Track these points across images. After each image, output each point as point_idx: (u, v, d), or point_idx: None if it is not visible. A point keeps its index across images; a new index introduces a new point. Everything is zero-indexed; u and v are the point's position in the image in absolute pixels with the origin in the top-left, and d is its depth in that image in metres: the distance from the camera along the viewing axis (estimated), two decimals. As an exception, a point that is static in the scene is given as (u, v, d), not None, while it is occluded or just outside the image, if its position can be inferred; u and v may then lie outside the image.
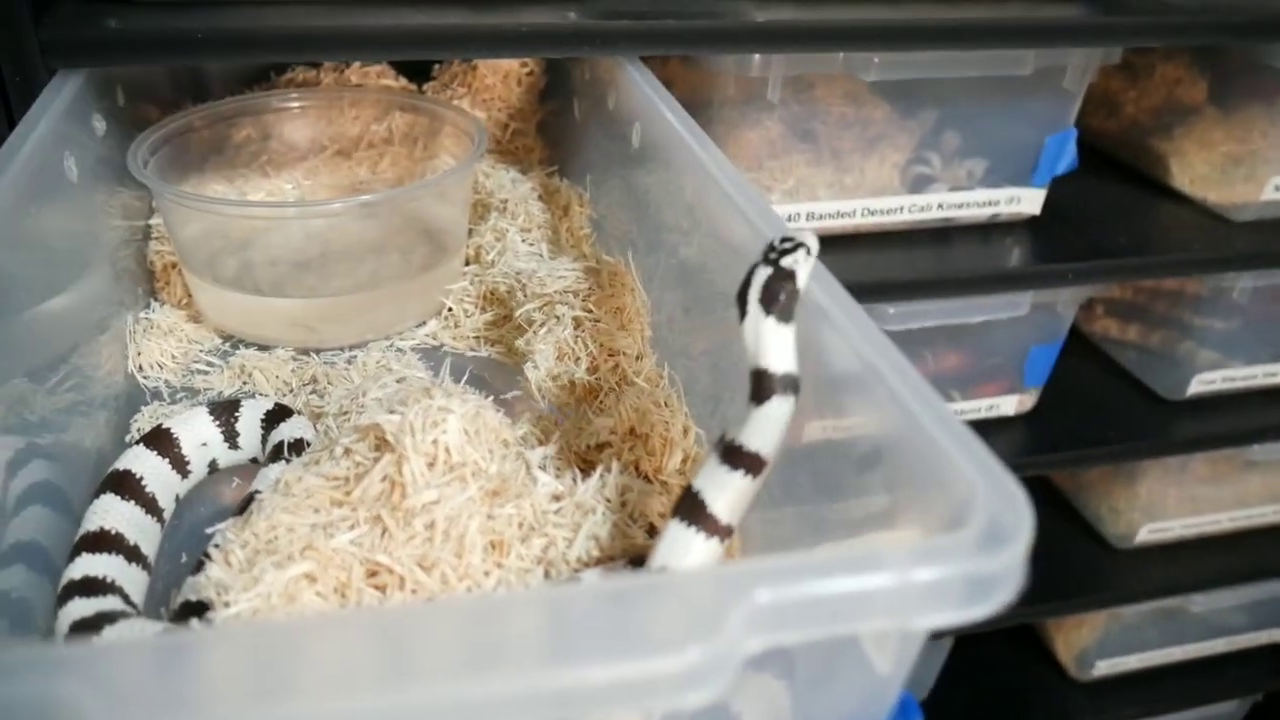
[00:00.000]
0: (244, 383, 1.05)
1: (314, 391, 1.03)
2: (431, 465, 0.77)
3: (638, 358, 1.01)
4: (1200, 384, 1.67)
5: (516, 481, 0.81)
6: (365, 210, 1.15)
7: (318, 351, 1.10)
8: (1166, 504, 1.85)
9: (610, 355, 1.00)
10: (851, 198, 1.43)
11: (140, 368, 1.05)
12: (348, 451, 0.80)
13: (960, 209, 1.47)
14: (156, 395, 1.02)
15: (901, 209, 1.44)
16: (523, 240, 1.18)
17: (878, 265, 1.41)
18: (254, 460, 0.94)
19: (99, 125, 1.07)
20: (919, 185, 1.47)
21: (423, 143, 1.31)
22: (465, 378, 1.04)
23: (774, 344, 0.68)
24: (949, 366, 1.64)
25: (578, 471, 0.87)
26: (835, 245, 1.37)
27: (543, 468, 0.86)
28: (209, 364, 1.07)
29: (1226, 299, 1.60)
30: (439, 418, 0.78)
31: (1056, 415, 1.66)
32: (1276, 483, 1.89)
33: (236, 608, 0.69)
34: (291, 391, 1.04)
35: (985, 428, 1.69)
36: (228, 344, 1.11)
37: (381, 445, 0.78)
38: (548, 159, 1.44)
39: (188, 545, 0.86)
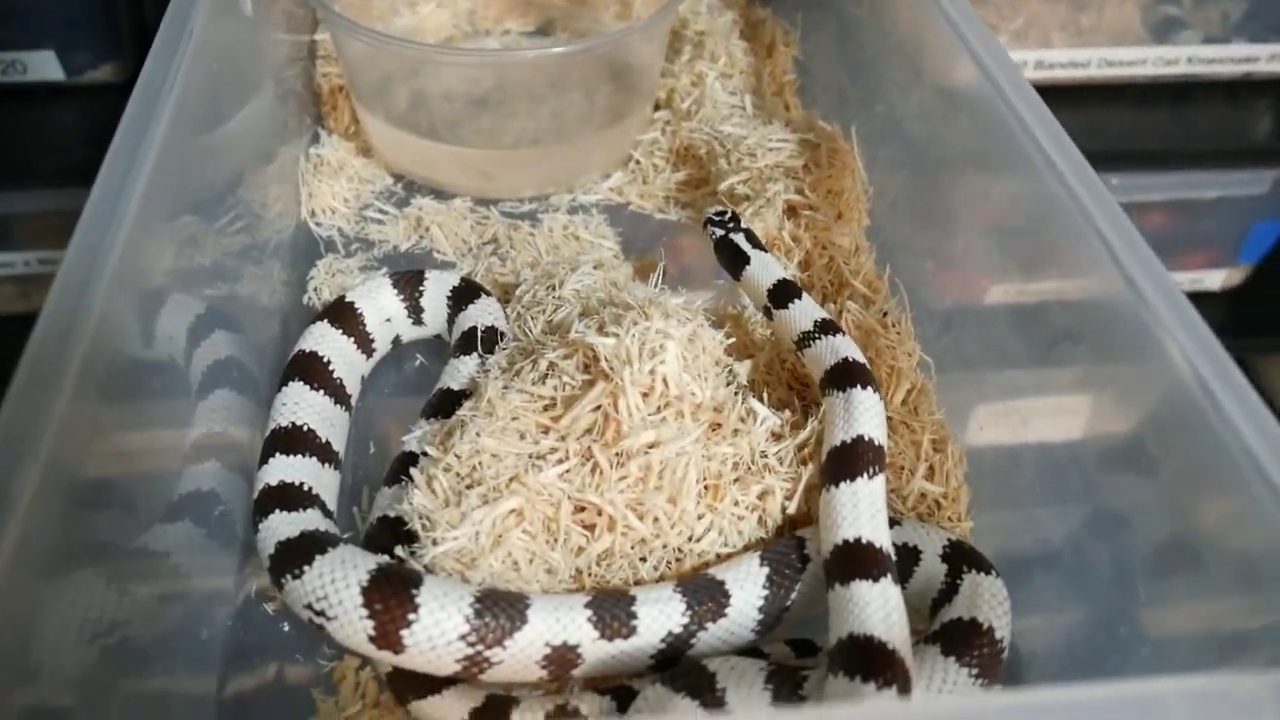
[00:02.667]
0: (420, 237, 0.97)
1: (495, 254, 0.95)
2: (647, 396, 0.70)
3: (855, 252, 0.91)
4: None
5: (733, 412, 0.73)
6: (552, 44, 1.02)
7: (495, 202, 1.01)
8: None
9: (824, 249, 0.90)
10: (1088, 44, 1.24)
11: (313, 213, 0.98)
12: (553, 367, 0.73)
13: (1210, 64, 1.27)
14: (330, 247, 0.96)
15: (1144, 61, 1.25)
16: (723, 88, 1.04)
17: (1109, 125, 1.24)
18: (437, 337, 0.88)
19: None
20: (1165, 30, 1.27)
21: (610, -45, 1.16)
22: (661, 251, 0.94)
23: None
24: (1153, 225, 1.48)
25: (793, 395, 0.80)
26: (1063, 98, 1.21)
27: (750, 383, 0.79)
28: (382, 211, 1.00)
29: None
30: (657, 344, 0.70)
31: (1269, 294, 1.49)
32: None
33: (444, 546, 0.65)
34: (471, 252, 0.96)
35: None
36: (400, 185, 1.03)
37: (592, 367, 0.71)
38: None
39: (373, 433, 0.82)
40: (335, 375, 0.80)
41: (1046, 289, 0.79)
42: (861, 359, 0.72)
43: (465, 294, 0.86)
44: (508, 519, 0.67)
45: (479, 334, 0.82)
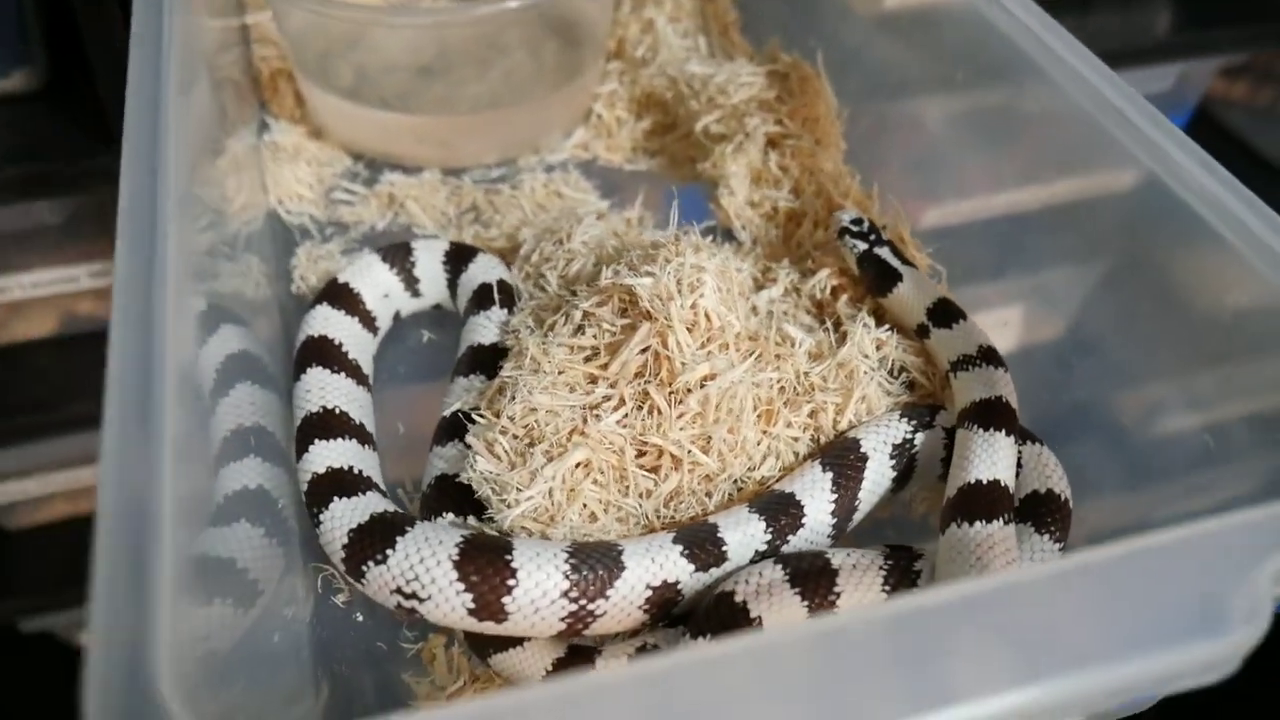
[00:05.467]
0: (395, 213, 0.94)
1: (477, 220, 0.93)
2: (691, 331, 0.70)
3: (838, 176, 0.92)
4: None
5: (770, 340, 0.74)
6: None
7: (461, 171, 0.99)
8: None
9: (810, 175, 0.91)
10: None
11: (280, 201, 0.94)
12: (588, 316, 0.72)
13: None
14: (305, 234, 0.92)
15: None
16: (674, 32, 1.04)
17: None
18: (437, 306, 0.86)
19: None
20: (1067, -60, 1.32)
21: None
22: (640, 199, 0.94)
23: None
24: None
25: (812, 318, 0.81)
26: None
27: (773, 312, 0.80)
28: (350, 192, 0.96)
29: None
30: (694, 278, 0.70)
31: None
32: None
33: (521, 508, 0.64)
34: (451, 222, 0.94)
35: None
36: (361, 164, 1.00)
37: (630, 310, 0.71)
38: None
39: (399, 414, 0.79)
40: (350, 356, 0.78)
41: (1036, 193, 0.83)
42: (1013, 401, 0.70)
43: (460, 256, 0.84)
44: (576, 472, 0.66)
45: (494, 288, 0.80)
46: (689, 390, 0.68)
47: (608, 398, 0.68)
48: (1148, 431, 0.75)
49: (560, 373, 0.69)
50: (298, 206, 0.94)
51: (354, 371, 0.77)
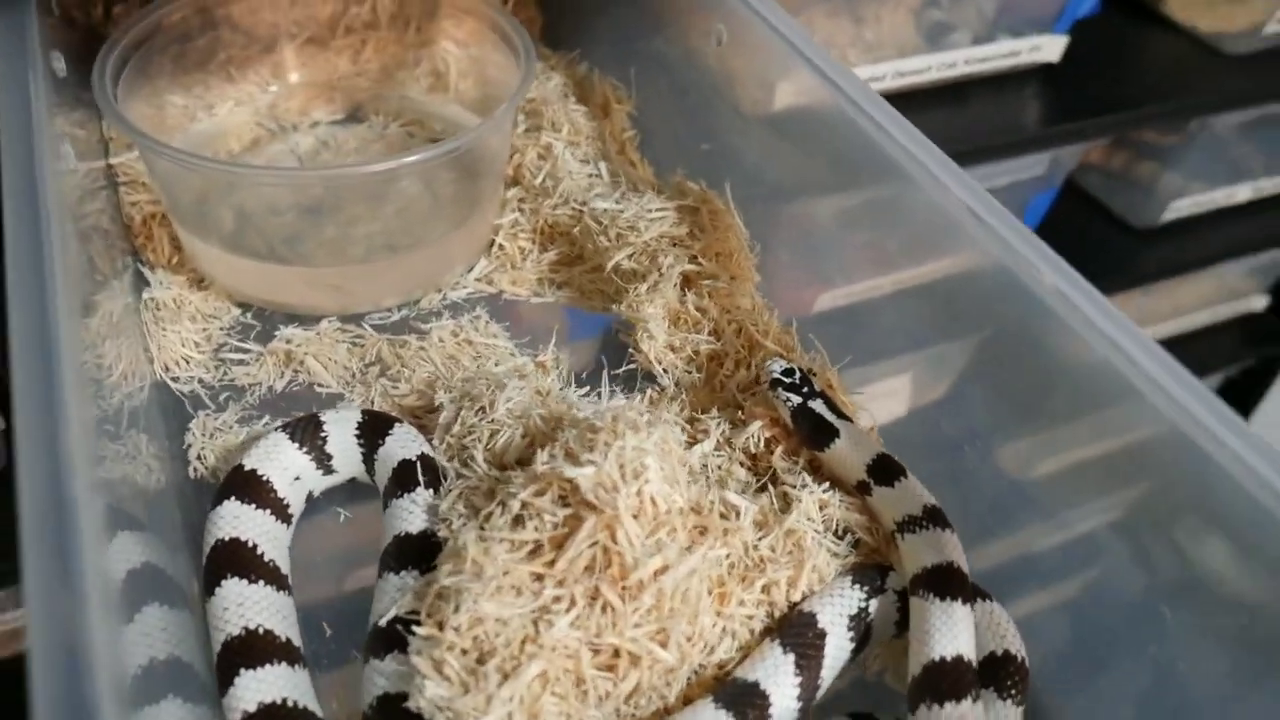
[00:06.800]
0: (295, 372, 0.88)
1: (384, 375, 0.88)
2: (638, 518, 0.67)
3: (754, 311, 0.91)
4: (1173, 211, 1.69)
5: (714, 511, 0.72)
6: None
7: (359, 317, 0.94)
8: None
9: (728, 315, 0.89)
10: (877, 59, 1.30)
11: (166, 367, 0.87)
12: (526, 507, 0.68)
13: (982, 63, 1.36)
14: (198, 403, 0.85)
15: (929, 68, 1.33)
16: (573, 157, 1.02)
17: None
18: (352, 480, 0.81)
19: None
20: (937, 35, 1.36)
21: (416, 25, 1.09)
22: (553, 340, 0.91)
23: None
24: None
25: (746, 471, 0.79)
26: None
27: (706, 467, 0.78)
28: (242, 349, 0.90)
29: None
30: (638, 463, 0.67)
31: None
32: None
33: (480, 736, 0.60)
34: (356, 378, 0.89)
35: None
36: (250, 315, 0.93)
37: (571, 499, 0.67)
38: (545, 34, 1.23)
39: (323, 614, 0.74)
40: (267, 559, 0.72)
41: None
42: (964, 565, 0.68)
43: (375, 427, 0.79)
44: (533, 686, 0.62)
45: (417, 466, 0.75)
46: (642, 585, 0.65)
47: (558, 599, 0.65)
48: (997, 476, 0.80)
49: (505, 573, 0.66)
50: (185, 371, 0.87)
51: (273, 576, 0.71)
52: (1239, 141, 1.69)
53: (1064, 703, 0.73)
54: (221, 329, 0.91)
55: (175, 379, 0.86)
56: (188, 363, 0.87)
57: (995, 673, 0.68)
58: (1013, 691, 0.68)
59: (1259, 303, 2.07)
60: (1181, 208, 1.69)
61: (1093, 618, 0.73)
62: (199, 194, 0.94)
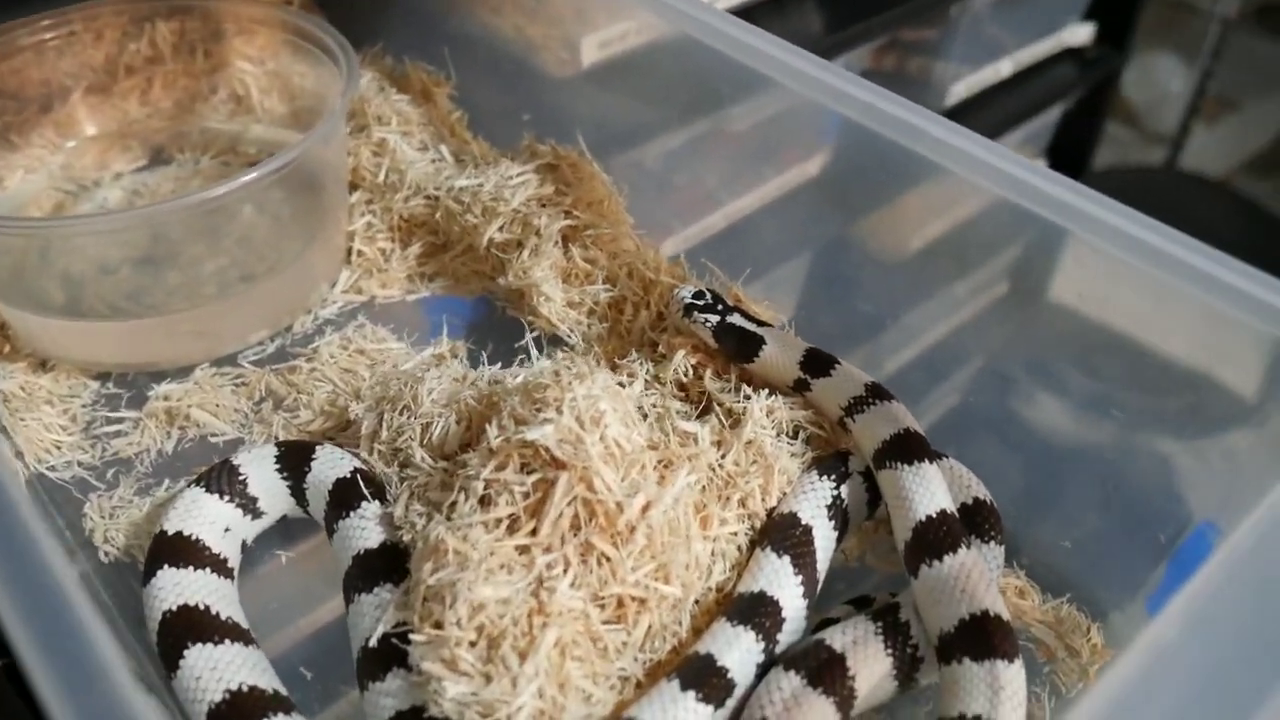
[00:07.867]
0: (181, 429, 0.82)
1: (281, 408, 0.83)
2: (607, 464, 0.65)
3: (639, 251, 0.90)
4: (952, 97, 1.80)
5: (671, 442, 0.71)
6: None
7: (234, 357, 0.87)
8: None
9: (617, 259, 0.89)
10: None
11: (38, 459, 0.78)
12: (490, 485, 0.66)
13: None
14: (85, 486, 0.77)
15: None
16: (411, 147, 0.98)
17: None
18: (283, 518, 0.76)
19: None
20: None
21: (203, 50, 1.03)
22: (444, 330, 0.88)
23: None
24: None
25: (682, 403, 0.79)
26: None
27: (641, 407, 0.77)
28: (114, 420, 0.82)
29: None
30: (594, 411, 0.66)
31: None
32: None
33: (520, 717, 0.57)
34: (250, 418, 0.83)
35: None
36: (112, 383, 0.85)
37: (536, 463, 0.65)
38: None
39: (297, 661, 0.69)
40: (224, 617, 0.66)
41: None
42: (919, 428, 0.70)
43: (294, 457, 0.74)
44: (552, 655, 0.60)
45: (355, 483, 0.71)
46: (632, 527, 0.64)
47: (550, 565, 0.63)
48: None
49: (491, 554, 0.63)
50: (59, 458, 0.79)
51: (236, 632, 0.65)
52: (989, 23, 1.81)
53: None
54: (84, 406, 0.83)
55: (52, 468, 0.78)
56: (59, 448, 0.79)
57: (971, 520, 0.71)
58: (992, 534, 0.71)
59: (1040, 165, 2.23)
60: (958, 92, 1.79)
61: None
62: (12, 268, 0.86)
